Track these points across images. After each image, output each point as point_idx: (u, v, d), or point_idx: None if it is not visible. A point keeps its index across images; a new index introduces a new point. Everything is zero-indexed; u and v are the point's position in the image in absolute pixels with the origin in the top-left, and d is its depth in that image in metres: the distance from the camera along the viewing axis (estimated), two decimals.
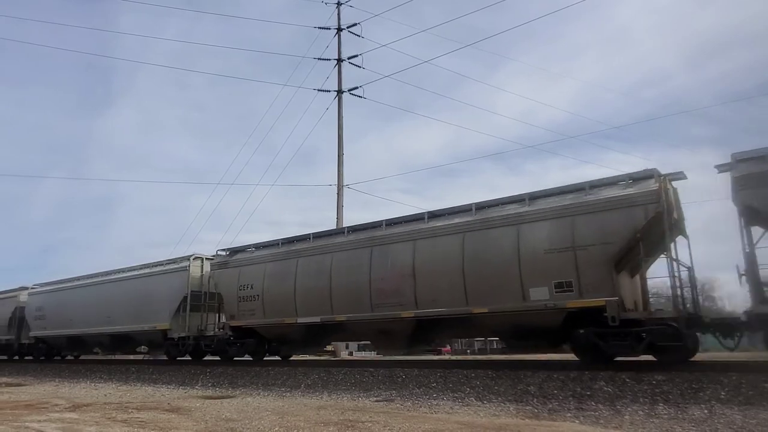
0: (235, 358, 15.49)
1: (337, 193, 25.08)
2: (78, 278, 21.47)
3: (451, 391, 8.21)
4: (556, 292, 9.51)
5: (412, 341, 11.94)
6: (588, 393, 7.26)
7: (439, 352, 31.32)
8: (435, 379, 9.03)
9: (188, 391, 10.61)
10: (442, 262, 10.91)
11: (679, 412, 6.02)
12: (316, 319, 12.84)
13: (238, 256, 15.38)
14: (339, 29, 27.48)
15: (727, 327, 8.89)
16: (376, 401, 7.94)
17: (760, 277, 8.49)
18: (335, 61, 27.19)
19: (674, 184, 9.76)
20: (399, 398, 8.10)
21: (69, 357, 23.76)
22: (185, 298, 16.14)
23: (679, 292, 9.13)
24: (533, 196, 10.38)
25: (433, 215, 11.68)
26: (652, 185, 9.11)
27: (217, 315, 16.61)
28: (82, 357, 23.56)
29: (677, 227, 9.82)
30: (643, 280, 10.59)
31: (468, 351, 36.39)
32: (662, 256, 9.73)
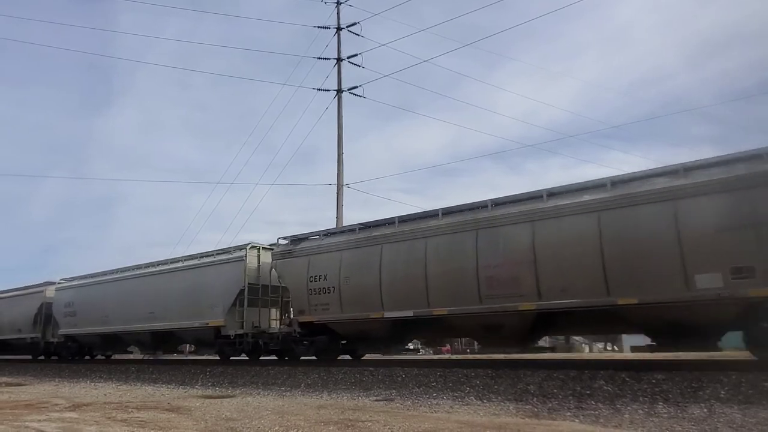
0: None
1: (337, 193, 25.05)
2: (114, 271, 19.68)
3: (451, 391, 8.22)
4: (732, 279, 8.06)
5: (527, 337, 10.80)
6: (588, 392, 7.26)
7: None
8: (435, 378, 9.04)
9: (188, 390, 10.61)
10: (573, 246, 9.45)
11: (678, 411, 6.02)
12: (408, 313, 11.32)
13: (305, 244, 13.77)
14: (338, 28, 27.42)
15: None
16: (376, 400, 7.94)
17: None
18: (335, 61, 27.12)
19: None
20: (399, 397, 8.10)
21: (100, 357, 22.26)
22: (242, 291, 14.54)
23: None
24: (688, 168, 8.97)
25: (552, 193, 10.23)
26: None
27: (277, 310, 15.27)
28: (115, 356, 22.41)
29: None
30: None
31: (468, 351, 36.40)
32: None
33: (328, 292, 12.65)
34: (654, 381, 7.25)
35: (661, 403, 6.45)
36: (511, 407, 6.84)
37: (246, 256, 14.75)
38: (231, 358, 15.25)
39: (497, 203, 10.86)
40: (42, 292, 22.28)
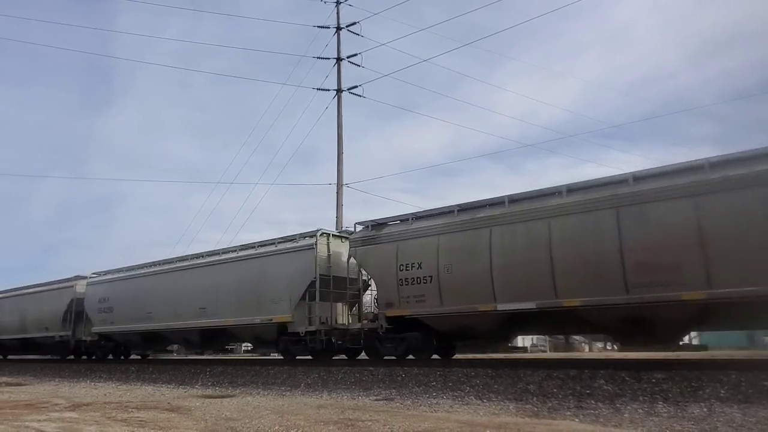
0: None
1: (337, 193, 25.05)
2: (156, 263, 17.97)
3: (451, 390, 8.22)
4: None
5: (679, 333, 9.50)
6: (588, 391, 7.27)
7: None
8: (435, 377, 9.04)
9: (188, 390, 10.62)
10: (758, 225, 7.98)
11: (678, 411, 6.03)
12: (529, 305, 9.86)
13: (389, 229, 12.27)
14: (338, 28, 27.43)
15: None
16: (376, 400, 7.94)
17: None
18: (335, 60, 27.15)
19: None
20: (399, 397, 8.10)
21: (135, 356, 20.85)
22: (312, 283, 13.05)
23: None
24: None
25: (714, 164, 8.69)
26: None
27: (344, 305, 13.90)
28: (148, 356, 21.15)
29: None
30: None
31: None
32: None
33: (424, 282, 11.18)
34: (654, 380, 7.25)
35: (660, 403, 6.45)
36: (511, 407, 6.84)
37: (316, 245, 13.23)
38: (297, 357, 13.83)
39: (639, 177, 9.40)
40: (72, 287, 20.68)
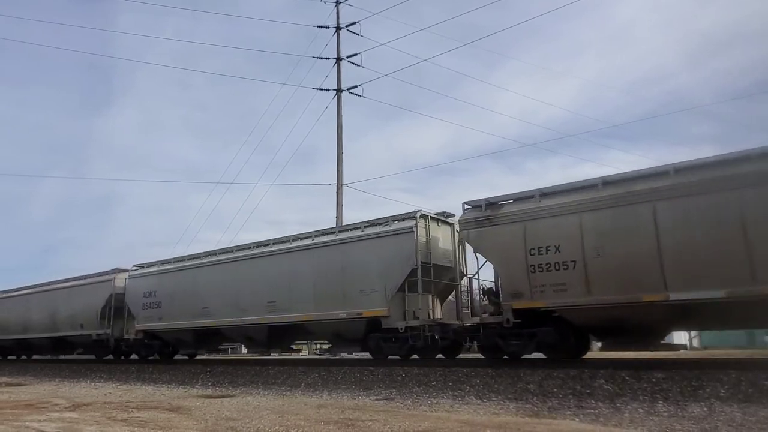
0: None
1: (337, 192, 25.11)
2: (212, 252, 16.05)
3: (451, 390, 8.22)
4: None
5: None
6: (588, 391, 7.27)
7: None
8: (435, 377, 9.04)
9: (188, 390, 10.62)
10: None
11: (678, 410, 6.03)
12: (716, 294, 8.15)
13: (511, 207, 10.53)
14: (338, 28, 27.47)
15: None
16: (376, 400, 7.95)
17: None
18: (334, 60, 27.20)
19: None
20: (399, 397, 8.10)
21: (181, 356, 18.71)
22: (413, 272, 11.32)
23: None
24: None
25: None
26: None
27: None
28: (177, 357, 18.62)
29: None
30: None
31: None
32: None
33: (564, 269, 9.59)
34: (654, 380, 7.26)
35: (661, 402, 6.46)
36: (511, 406, 6.85)
37: (416, 227, 11.48)
38: (389, 357, 11.89)
39: None
40: (111, 280, 18.79)
